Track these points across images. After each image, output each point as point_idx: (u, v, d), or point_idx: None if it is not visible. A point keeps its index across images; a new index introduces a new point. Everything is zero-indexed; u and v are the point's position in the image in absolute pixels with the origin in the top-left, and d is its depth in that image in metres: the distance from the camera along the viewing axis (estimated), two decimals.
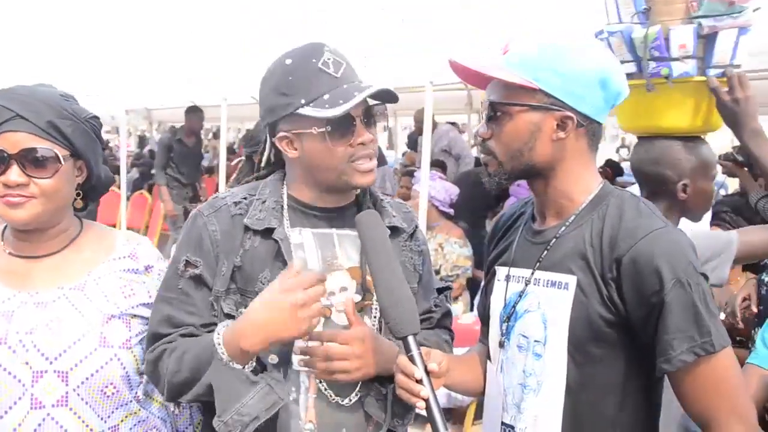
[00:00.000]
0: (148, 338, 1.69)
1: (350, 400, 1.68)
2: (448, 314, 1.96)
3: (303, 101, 1.62)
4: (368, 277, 1.71)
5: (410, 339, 1.48)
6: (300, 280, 1.49)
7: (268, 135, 1.77)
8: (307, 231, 1.72)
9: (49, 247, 1.69)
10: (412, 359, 1.47)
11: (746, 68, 2.14)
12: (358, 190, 1.79)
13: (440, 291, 1.94)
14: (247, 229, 1.68)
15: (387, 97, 1.68)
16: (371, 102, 1.69)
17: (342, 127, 1.62)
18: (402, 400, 1.56)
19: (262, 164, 1.84)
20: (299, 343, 1.61)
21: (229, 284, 1.66)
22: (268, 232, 1.68)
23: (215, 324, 1.64)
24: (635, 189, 2.81)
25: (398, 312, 1.48)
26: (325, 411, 1.67)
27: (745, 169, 5.83)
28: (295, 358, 1.66)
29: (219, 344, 1.54)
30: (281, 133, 1.68)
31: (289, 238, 1.68)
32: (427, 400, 1.44)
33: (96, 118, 1.71)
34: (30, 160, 1.56)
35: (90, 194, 1.77)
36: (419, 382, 1.45)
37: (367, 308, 1.72)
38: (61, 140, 1.60)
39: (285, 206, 1.73)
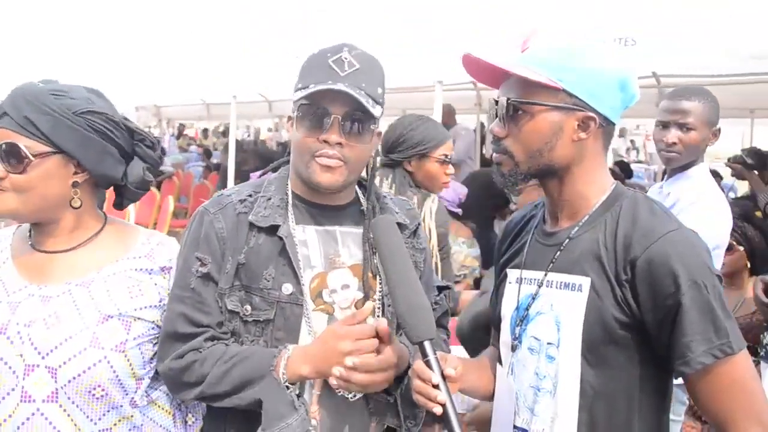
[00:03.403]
0: (165, 336, 1.68)
1: (355, 395, 1.68)
2: (446, 313, 1.98)
3: (300, 86, 1.67)
4: (370, 274, 1.73)
5: (426, 344, 1.47)
6: (354, 331, 1.55)
7: None
8: (310, 228, 1.74)
9: (62, 243, 1.69)
10: (428, 364, 1.47)
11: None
12: (359, 189, 1.82)
13: (440, 289, 1.94)
14: (252, 226, 1.69)
15: (361, 109, 1.63)
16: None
17: (314, 116, 1.64)
18: (408, 401, 1.56)
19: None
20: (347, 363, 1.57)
21: (233, 281, 1.68)
22: (272, 229, 1.69)
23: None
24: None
25: (414, 318, 1.48)
26: (329, 407, 1.67)
27: (754, 172, 5.81)
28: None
29: (284, 373, 1.59)
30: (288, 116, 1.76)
31: (293, 235, 1.70)
32: (443, 405, 1.43)
33: (95, 113, 1.63)
34: (4, 154, 1.58)
35: (125, 194, 1.77)
36: (436, 387, 1.44)
37: None
38: (38, 136, 1.59)
39: (290, 203, 1.74)
